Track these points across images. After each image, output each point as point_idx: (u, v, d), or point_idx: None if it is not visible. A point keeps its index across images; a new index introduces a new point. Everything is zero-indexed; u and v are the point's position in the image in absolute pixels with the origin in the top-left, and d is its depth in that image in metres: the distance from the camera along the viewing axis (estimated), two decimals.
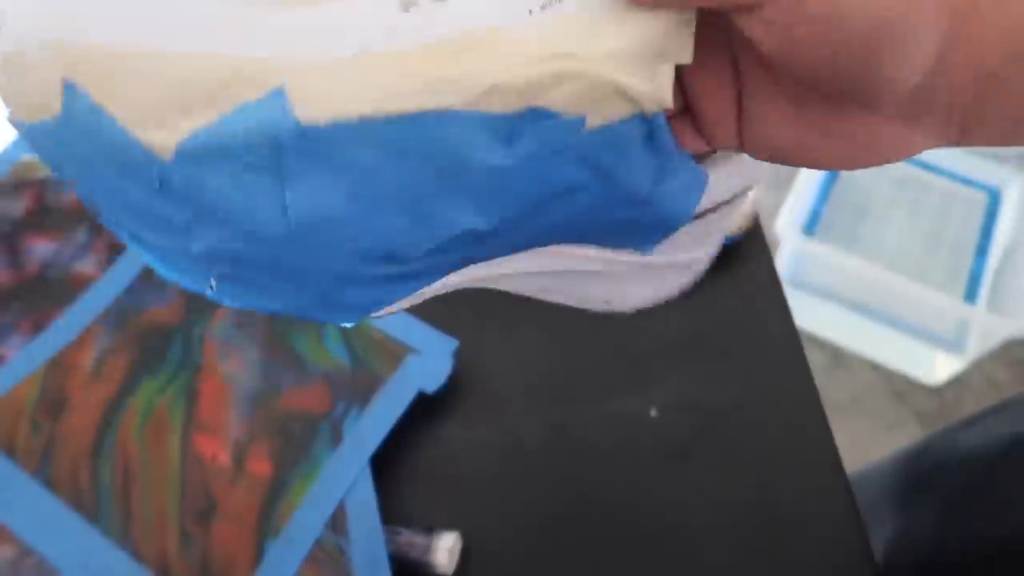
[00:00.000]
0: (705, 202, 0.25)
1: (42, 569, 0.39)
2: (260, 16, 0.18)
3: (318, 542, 0.40)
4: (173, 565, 0.39)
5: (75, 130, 0.19)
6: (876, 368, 1.25)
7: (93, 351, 0.46)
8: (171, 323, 0.47)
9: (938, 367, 1.23)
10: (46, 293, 0.49)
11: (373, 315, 0.23)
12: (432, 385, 0.45)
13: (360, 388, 0.45)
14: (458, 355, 0.47)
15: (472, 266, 0.24)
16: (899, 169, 1.40)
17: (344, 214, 0.19)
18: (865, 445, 1.16)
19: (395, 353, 0.46)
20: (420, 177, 0.19)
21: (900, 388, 1.23)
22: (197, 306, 0.48)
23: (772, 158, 0.22)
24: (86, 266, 0.50)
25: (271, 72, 0.18)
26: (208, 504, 0.41)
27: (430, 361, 0.46)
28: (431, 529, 0.41)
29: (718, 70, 0.22)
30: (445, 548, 0.40)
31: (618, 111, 0.19)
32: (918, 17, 0.17)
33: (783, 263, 1.20)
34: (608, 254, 0.26)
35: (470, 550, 0.42)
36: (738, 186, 0.26)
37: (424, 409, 0.46)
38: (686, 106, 0.23)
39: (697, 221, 0.26)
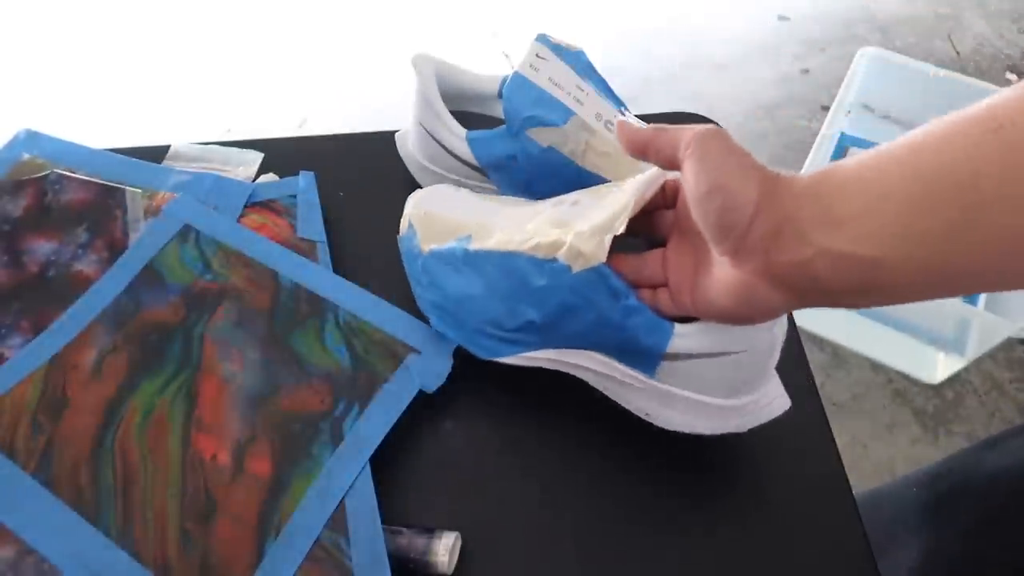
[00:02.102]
0: (697, 346, 0.39)
1: (42, 569, 0.39)
2: (487, 205, 0.47)
3: (318, 542, 0.40)
4: (173, 565, 0.39)
5: (405, 241, 0.47)
6: (876, 368, 1.25)
7: (93, 351, 0.46)
8: (171, 323, 0.47)
9: (938, 367, 1.23)
10: (46, 293, 0.49)
11: (497, 359, 0.45)
12: (432, 385, 0.45)
13: (360, 388, 0.45)
14: (458, 355, 0.47)
15: (547, 349, 0.43)
16: None
17: (480, 295, 0.43)
18: (865, 445, 1.16)
19: (395, 353, 0.46)
20: (511, 283, 0.41)
21: (900, 387, 1.23)
22: (196, 306, 0.48)
23: (713, 315, 0.36)
24: (86, 266, 0.50)
25: (471, 227, 0.44)
26: (208, 504, 0.41)
27: (430, 361, 0.46)
28: (431, 529, 0.41)
29: (683, 254, 0.38)
30: (445, 548, 0.40)
31: (582, 264, 0.38)
32: (739, 187, 0.32)
33: None
34: (638, 375, 0.41)
35: (470, 550, 0.42)
36: (724, 346, 0.38)
37: (424, 409, 0.46)
38: (667, 281, 0.39)
39: (702, 360, 0.39)
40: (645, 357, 0.40)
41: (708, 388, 0.40)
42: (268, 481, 0.41)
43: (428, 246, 0.45)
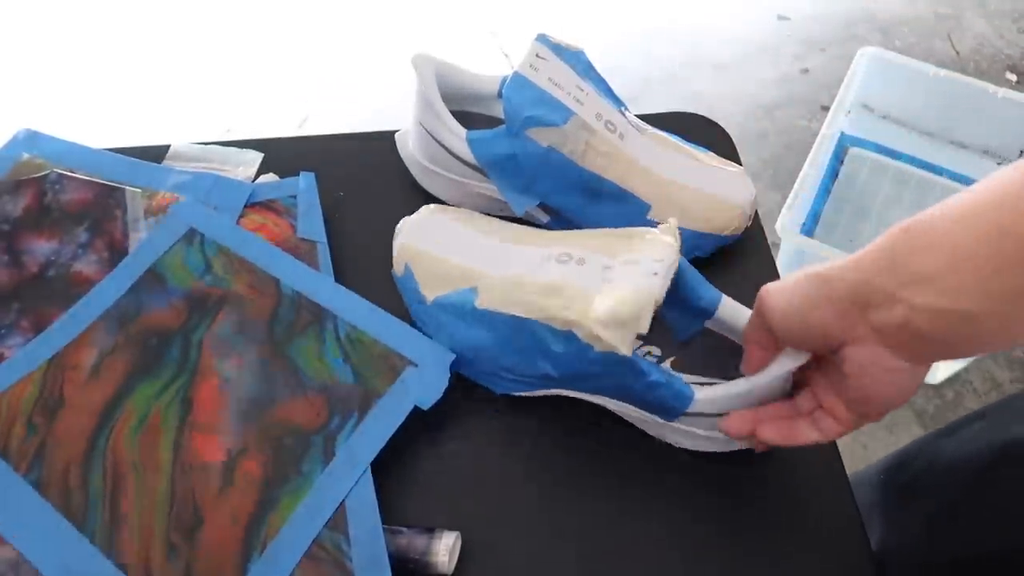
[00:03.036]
0: (715, 408, 0.41)
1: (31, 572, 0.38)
2: (482, 244, 0.47)
3: (317, 541, 0.40)
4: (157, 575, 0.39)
5: (404, 281, 0.47)
6: None
7: (93, 351, 0.46)
8: (171, 326, 0.47)
9: (938, 367, 1.22)
10: (46, 293, 0.49)
11: (513, 393, 0.46)
12: (428, 401, 0.44)
13: (356, 402, 0.44)
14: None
15: (565, 390, 0.45)
16: (899, 169, 1.40)
17: (492, 346, 0.44)
18: (865, 445, 1.16)
19: (393, 366, 0.45)
20: (525, 342, 0.43)
21: None
22: (197, 310, 0.48)
23: (880, 411, 0.37)
24: (86, 266, 0.50)
25: (474, 277, 0.45)
26: (195, 515, 0.40)
27: (427, 375, 0.45)
28: (431, 529, 0.41)
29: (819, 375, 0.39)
30: (445, 548, 0.40)
31: (603, 347, 0.39)
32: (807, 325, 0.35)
33: (783, 263, 1.20)
34: (656, 418, 0.44)
35: (470, 550, 0.42)
36: (739, 405, 0.41)
37: (424, 410, 0.46)
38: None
39: (707, 418, 0.42)
40: (665, 413, 0.42)
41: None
42: (257, 495, 0.41)
43: (432, 293, 0.46)
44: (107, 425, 0.43)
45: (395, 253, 0.48)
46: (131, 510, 0.40)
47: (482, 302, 0.43)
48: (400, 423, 0.44)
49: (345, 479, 0.41)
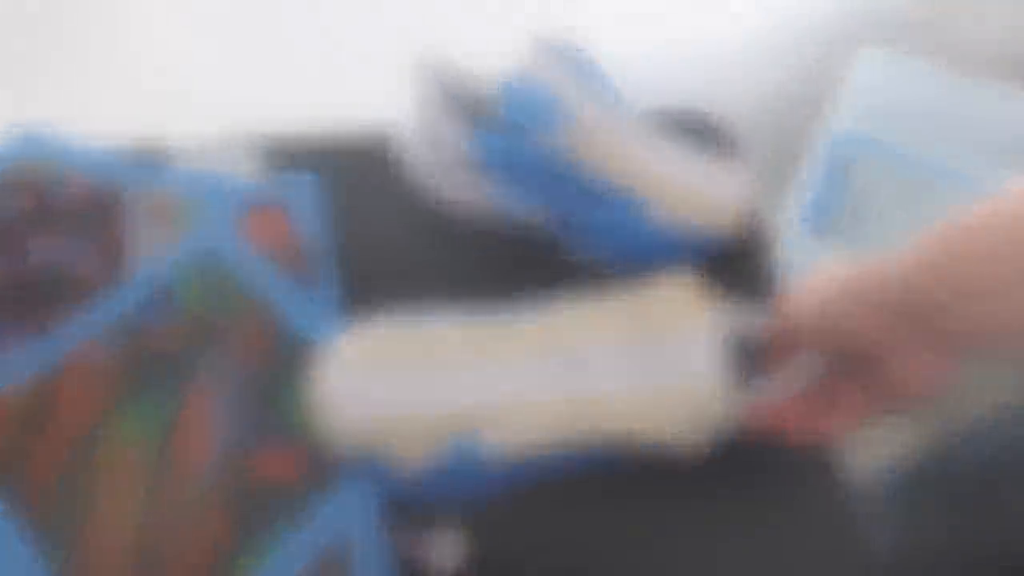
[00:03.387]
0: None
1: None
2: (446, 377, 0.38)
3: None
4: None
5: (370, 464, 0.39)
6: None
7: (92, 364, 0.46)
8: (171, 350, 0.46)
9: None
10: (46, 293, 0.49)
11: None
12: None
13: (334, 464, 0.42)
14: None
15: None
16: (899, 169, 1.40)
17: (505, 475, 0.39)
18: (865, 445, 1.16)
19: None
20: (553, 458, 0.39)
21: None
22: (199, 337, 0.47)
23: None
24: (86, 266, 0.50)
25: (463, 417, 0.37)
26: (157, 563, 0.40)
27: None
28: (431, 529, 0.41)
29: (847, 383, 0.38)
30: (446, 548, 0.40)
31: (676, 442, 0.39)
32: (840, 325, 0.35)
33: (783, 263, 1.20)
34: None
35: (472, 550, 0.42)
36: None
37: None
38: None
39: None
40: None
41: None
42: (220, 550, 0.40)
43: (419, 456, 0.38)
44: (91, 450, 0.42)
45: (342, 437, 0.38)
46: (96, 543, 0.40)
47: (491, 443, 0.38)
48: (376, 492, 0.41)
49: (307, 549, 0.40)
